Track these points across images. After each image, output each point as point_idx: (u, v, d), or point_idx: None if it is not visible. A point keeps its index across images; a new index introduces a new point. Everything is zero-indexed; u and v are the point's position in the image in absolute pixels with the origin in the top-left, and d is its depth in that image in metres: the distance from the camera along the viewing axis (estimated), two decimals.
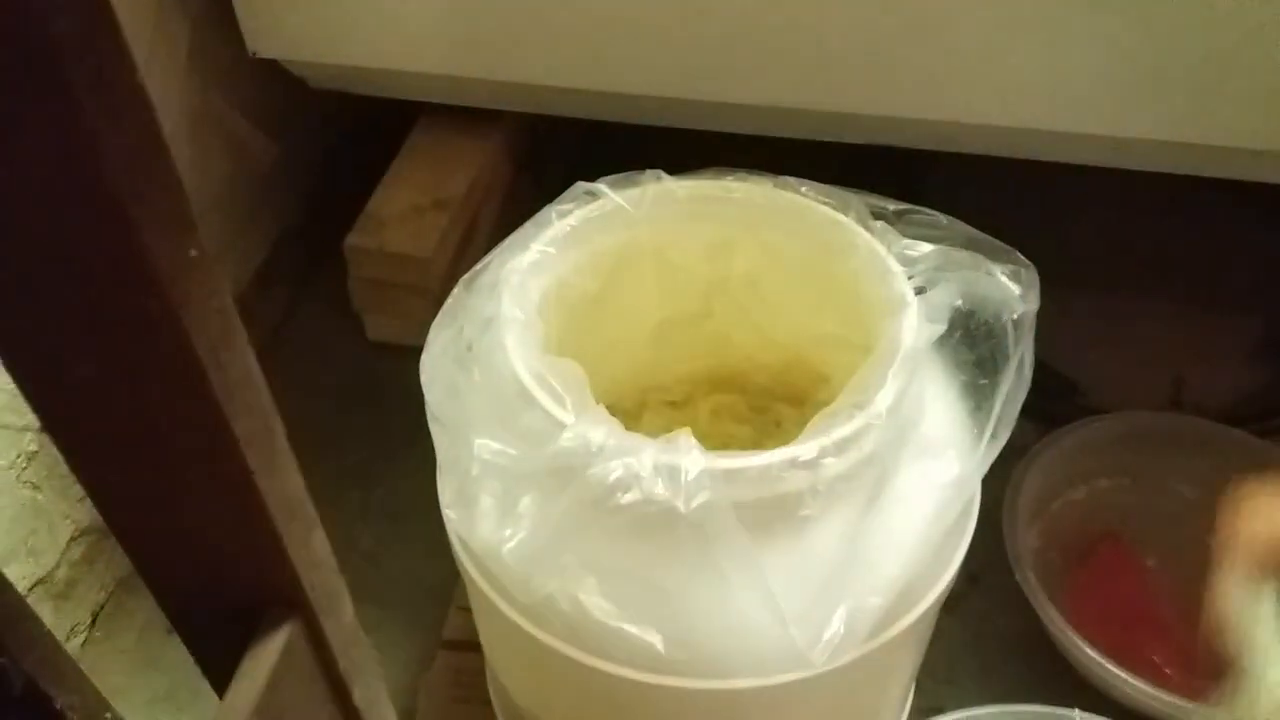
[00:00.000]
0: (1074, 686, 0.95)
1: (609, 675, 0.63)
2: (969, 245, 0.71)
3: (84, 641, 1.07)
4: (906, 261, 0.72)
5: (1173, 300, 1.35)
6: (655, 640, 0.60)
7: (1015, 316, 0.67)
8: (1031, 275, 0.69)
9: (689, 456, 0.59)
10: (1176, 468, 1.08)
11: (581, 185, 0.77)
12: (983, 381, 0.68)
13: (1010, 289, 0.68)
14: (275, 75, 1.25)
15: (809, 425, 0.64)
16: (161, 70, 1.15)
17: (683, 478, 0.58)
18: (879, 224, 0.74)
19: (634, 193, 0.77)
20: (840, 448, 0.61)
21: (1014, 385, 0.67)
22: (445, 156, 1.34)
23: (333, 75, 1.25)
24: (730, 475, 0.59)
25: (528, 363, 0.65)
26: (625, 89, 1.13)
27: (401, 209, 1.27)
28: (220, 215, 1.27)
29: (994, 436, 0.65)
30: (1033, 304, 0.68)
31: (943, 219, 0.74)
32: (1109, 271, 1.38)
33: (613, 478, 0.58)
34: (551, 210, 0.76)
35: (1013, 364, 0.67)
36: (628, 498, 0.58)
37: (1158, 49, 0.96)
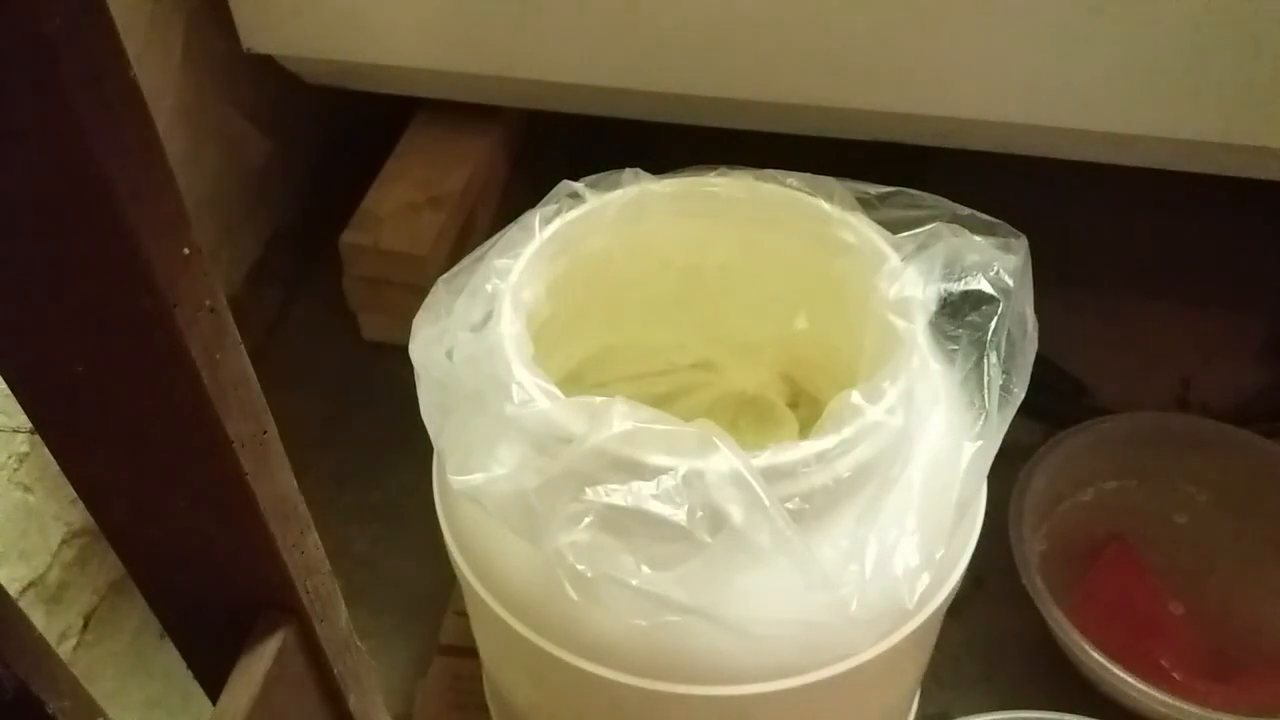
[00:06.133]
0: (1081, 691, 0.94)
1: (608, 680, 0.63)
2: (955, 223, 0.70)
3: (76, 645, 1.06)
4: (895, 245, 0.71)
5: (1181, 300, 1.35)
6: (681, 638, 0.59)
7: (1005, 277, 0.66)
8: (1021, 243, 0.68)
9: (715, 454, 0.58)
10: (1184, 469, 1.08)
11: (565, 185, 0.77)
12: (984, 343, 0.66)
13: (999, 254, 0.67)
14: (270, 71, 1.24)
15: (825, 417, 0.63)
16: (155, 66, 1.14)
17: (706, 476, 0.57)
18: (861, 215, 0.73)
19: (616, 194, 0.77)
20: (854, 440, 0.60)
21: (1022, 344, 0.65)
22: (442, 153, 1.33)
23: (328, 71, 1.25)
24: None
25: (529, 370, 0.64)
26: (624, 84, 1.12)
27: (397, 206, 1.27)
28: (214, 213, 1.26)
29: (1008, 391, 0.64)
30: (1022, 263, 0.66)
31: (928, 198, 0.72)
32: (1116, 271, 1.38)
33: (634, 471, 0.58)
34: (535, 213, 0.76)
35: (1011, 322, 0.65)
36: (652, 493, 0.57)
37: (1164, 44, 0.95)
